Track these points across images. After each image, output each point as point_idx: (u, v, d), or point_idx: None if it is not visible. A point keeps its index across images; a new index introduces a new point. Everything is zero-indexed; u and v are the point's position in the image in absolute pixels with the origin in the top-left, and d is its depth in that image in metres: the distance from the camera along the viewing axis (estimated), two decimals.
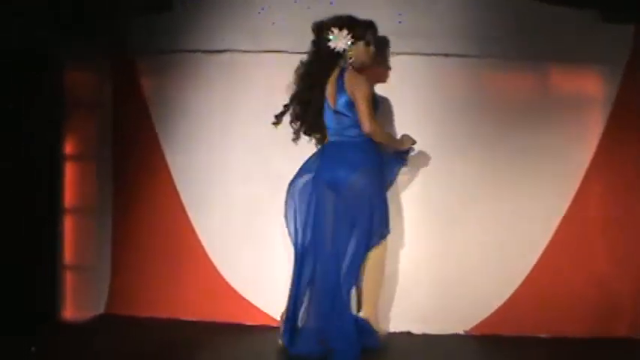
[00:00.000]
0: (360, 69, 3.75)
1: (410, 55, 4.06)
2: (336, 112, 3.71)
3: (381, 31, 3.92)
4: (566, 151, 4.05)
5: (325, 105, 3.75)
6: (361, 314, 3.78)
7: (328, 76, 3.73)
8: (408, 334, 4.05)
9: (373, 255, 3.73)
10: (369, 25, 3.74)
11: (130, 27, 4.26)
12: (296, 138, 3.85)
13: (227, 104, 4.22)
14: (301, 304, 3.72)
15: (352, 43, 3.69)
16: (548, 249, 4.04)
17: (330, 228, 3.68)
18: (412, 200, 4.09)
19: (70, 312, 4.19)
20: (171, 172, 4.26)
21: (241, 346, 3.86)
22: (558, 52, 4.06)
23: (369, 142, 3.68)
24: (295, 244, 3.78)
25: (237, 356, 3.72)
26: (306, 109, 3.80)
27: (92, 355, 3.67)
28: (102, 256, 4.32)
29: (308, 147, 3.89)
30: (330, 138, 3.80)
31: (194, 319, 4.18)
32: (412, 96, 4.07)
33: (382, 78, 4.06)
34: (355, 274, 3.71)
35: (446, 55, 4.07)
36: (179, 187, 4.26)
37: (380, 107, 3.90)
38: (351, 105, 3.65)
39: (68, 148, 4.22)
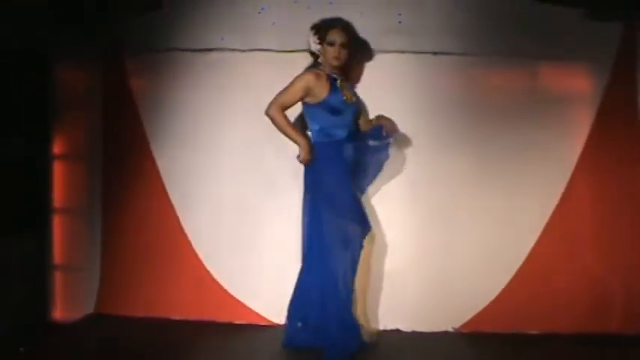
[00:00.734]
0: (342, 70, 3.79)
1: (397, 54, 4.07)
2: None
3: (370, 29, 3.94)
4: (554, 148, 4.07)
5: None
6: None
7: None
8: (398, 331, 4.06)
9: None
10: (331, 25, 3.73)
11: (119, 26, 4.25)
12: None
13: (216, 103, 4.22)
14: (304, 300, 3.75)
15: (319, 44, 3.74)
16: (538, 246, 4.05)
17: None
18: (401, 198, 4.09)
19: (59, 312, 4.17)
20: (161, 172, 4.25)
21: (231, 345, 3.86)
22: (547, 50, 4.08)
23: (321, 144, 3.73)
24: (303, 243, 3.83)
25: (227, 354, 3.72)
26: None
27: (82, 354, 3.68)
28: (91, 256, 4.31)
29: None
30: None
31: (183, 318, 4.18)
32: (400, 94, 4.07)
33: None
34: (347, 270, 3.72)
35: (434, 53, 4.09)
36: (168, 186, 4.25)
37: (362, 109, 3.96)
38: (306, 107, 3.76)
39: (57, 147, 4.20)
